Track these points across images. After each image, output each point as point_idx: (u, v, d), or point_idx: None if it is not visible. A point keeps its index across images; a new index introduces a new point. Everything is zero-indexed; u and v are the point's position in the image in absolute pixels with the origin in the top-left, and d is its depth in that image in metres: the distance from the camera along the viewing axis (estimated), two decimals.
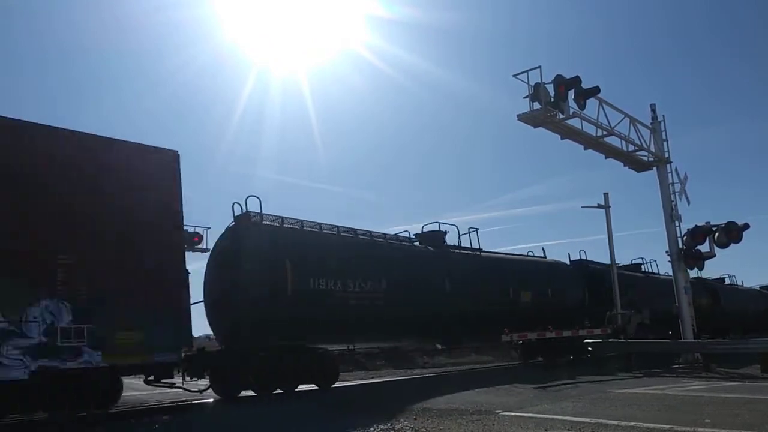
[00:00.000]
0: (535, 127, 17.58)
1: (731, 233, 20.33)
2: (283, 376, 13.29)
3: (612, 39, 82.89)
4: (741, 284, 38.20)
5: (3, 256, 9.00)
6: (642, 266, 27.92)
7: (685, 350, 18.78)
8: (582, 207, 22.12)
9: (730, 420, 7.96)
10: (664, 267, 26.84)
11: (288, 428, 9.03)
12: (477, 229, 19.18)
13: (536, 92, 16.39)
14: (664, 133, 21.14)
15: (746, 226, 20.49)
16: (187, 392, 12.21)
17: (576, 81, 16.89)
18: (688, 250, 20.57)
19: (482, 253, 19.40)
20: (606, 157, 20.36)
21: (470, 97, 74.47)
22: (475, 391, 12.19)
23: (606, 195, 21.87)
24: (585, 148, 19.48)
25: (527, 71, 16.51)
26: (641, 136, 20.44)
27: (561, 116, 17.19)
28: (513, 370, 19.72)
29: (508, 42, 75.31)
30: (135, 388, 15.11)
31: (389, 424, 8.50)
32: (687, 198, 20.96)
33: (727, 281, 36.07)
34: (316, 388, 13.95)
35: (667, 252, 20.96)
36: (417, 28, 64.24)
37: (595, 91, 17.46)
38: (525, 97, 16.63)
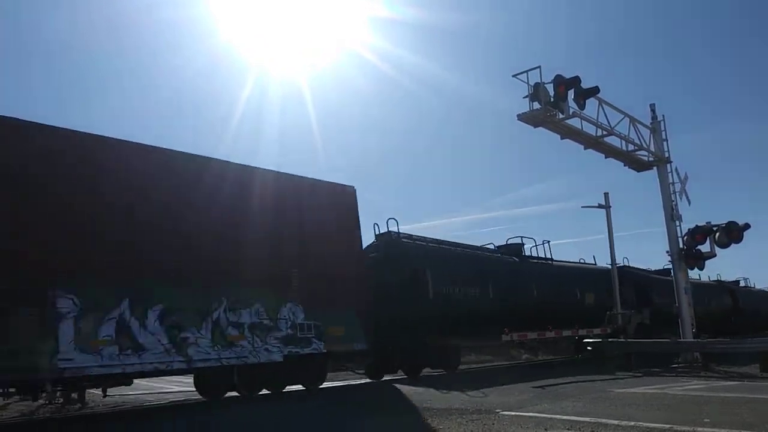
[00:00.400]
0: (534, 126, 17.57)
1: (732, 233, 20.27)
2: (423, 364, 17.16)
3: (612, 40, 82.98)
4: (753, 286, 39.04)
5: (267, 273, 12.54)
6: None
7: (685, 350, 18.79)
8: (582, 207, 22.25)
9: (729, 419, 7.96)
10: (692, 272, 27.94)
11: (287, 427, 9.04)
12: (549, 242, 23.12)
13: (536, 92, 16.37)
14: (664, 132, 21.10)
15: (747, 226, 20.46)
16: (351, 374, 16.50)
17: (576, 81, 16.86)
18: (689, 250, 20.56)
19: (554, 262, 22.96)
20: (606, 157, 20.33)
21: (472, 98, 74.51)
22: (474, 390, 12.19)
23: (606, 195, 21.96)
24: (585, 148, 19.44)
25: (527, 71, 16.50)
26: (641, 136, 20.43)
27: (561, 116, 17.18)
28: (513, 369, 19.73)
29: (512, 42, 75.39)
30: (135, 388, 15.10)
31: (389, 424, 8.51)
32: (687, 198, 20.95)
33: (742, 283, 36.68)
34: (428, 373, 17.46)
35: (667, 252, 20.98)
36: (420, 29, 64.21)
37: (594, 91, 17.44)
38: (525, 97, 16.63)
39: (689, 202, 21.01)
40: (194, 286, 11.19)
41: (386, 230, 17.11)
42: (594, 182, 73.91)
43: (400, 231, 17.29)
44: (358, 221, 15.02)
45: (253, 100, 51.88)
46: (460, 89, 68.00)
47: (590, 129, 18.51)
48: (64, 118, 68.77)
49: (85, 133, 10.54)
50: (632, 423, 7.79)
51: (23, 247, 9.42)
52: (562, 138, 18.49)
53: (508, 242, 21.79)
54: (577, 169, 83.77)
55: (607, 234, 21.88)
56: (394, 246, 16.96)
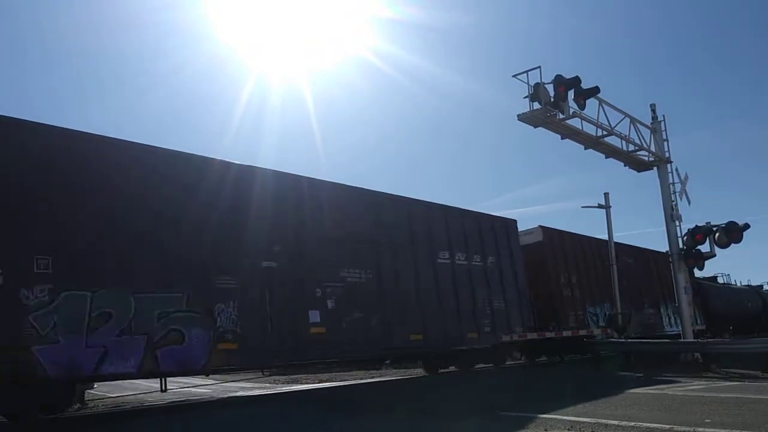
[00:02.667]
0: (535, 127, 17.55)
1: (732, 233, 20.27)
2: None
3: (612, 40, 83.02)
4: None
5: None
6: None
7: (685, 350, 18.76)
8: (582, 207, 22.22)
9: (730, 420, 7.93)
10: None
11: (284, 428, 9.01)
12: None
13: (536, 92, 16.33)
14: (664, 132, 21.10)
15: (747, 226, 20.45)
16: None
17: (576, 81, 16.83)
18: (689, 250, 20.56)
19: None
20: (606, 157, 20.32)
21: (472, 98, 74.51)
22: (474, 390, 12.17)
23: (606, 195, 21.93)
24: (585, 148, 19.44)
25: (527, 71, 16.46)
26: (641, 136, 20.44)
27: (561, 116, 17.15)
28: (512, 370, 19.71)
29: (512, 42, 75.36)
30: (136, 388, 15.10)
31: (387, 424, 8.48)
32: (687, 198, 20.96)
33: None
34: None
35: (667, 252, 20.94)
36: (421, 29, 64.07)
37: (594, 91, 17.41)
38: (525, 97, 16.60)
39: (689, 202, 21.05)
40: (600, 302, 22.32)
41: None
42: (594, 182, 74.08)
43: None
44: None
45: (253, 103, 51.64)
46: (460, 89, 68.11)
47: (590, 129, 18.51)
48: (63, 119, 68.70)
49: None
50: (632, 423, 7.76)
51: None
52: (562, 138, 18.47)
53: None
54: (577, 169, 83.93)
55: (607, 234, 21.84)
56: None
